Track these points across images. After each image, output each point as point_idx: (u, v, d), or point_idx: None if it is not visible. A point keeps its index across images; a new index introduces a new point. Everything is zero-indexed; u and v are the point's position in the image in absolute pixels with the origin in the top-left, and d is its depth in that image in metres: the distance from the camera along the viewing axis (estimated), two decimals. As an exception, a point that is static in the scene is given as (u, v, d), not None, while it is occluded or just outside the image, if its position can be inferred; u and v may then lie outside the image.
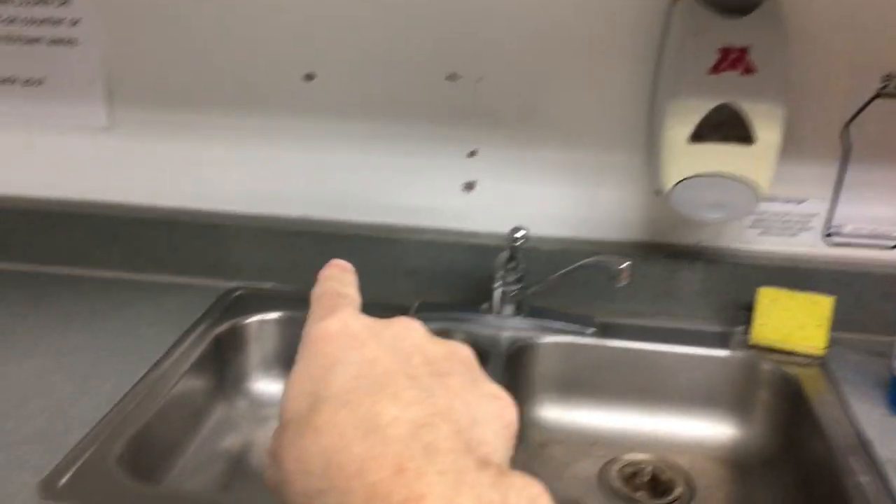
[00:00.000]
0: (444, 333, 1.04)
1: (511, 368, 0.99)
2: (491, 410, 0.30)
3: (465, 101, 1.06)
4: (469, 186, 1.10)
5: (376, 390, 0.29)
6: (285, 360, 1.08)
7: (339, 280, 0.36)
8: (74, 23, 1.08)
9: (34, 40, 1.09)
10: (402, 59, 1.05)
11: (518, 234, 0.99)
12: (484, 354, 1.00)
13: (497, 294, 1.05)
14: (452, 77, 1.05)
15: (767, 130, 0.92)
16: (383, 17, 1.03)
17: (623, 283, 0.92)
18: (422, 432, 0.27)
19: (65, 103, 1.12)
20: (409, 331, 0.33)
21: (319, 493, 0.27)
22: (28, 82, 1.12)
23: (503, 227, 1.09)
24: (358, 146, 1.10)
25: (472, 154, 1.09)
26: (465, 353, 0.33)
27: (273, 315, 1.08)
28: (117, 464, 0.78)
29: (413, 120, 1.08)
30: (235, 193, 1.15)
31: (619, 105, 1.04)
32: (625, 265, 0.92)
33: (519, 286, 1.04)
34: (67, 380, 0.91)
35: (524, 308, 1.06)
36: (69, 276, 1.17)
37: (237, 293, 1.13)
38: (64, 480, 0.75)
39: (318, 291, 0.36)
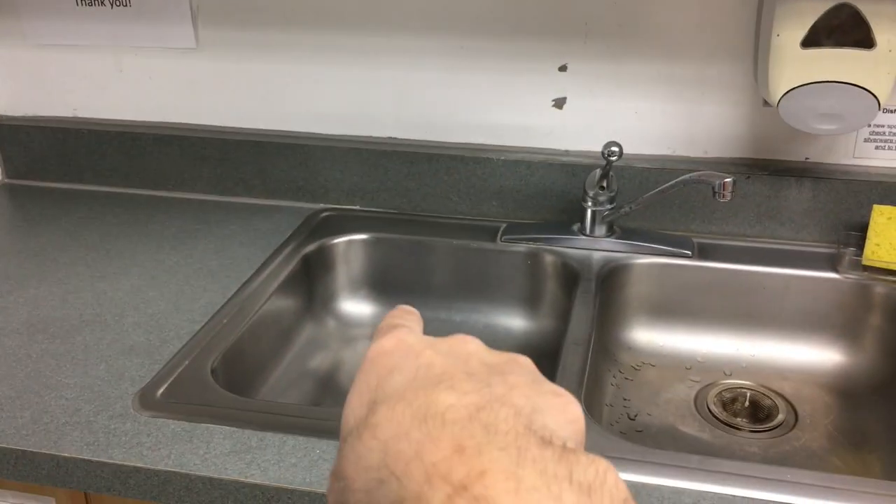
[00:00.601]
0: (533, 255, 1.02)
1: (603, 290, 0.96)
2: (553, 405, 0.29)
3: (554, 13, 1.01)
4: (559, 103, 1.06)
5: (433, 385, 0.28)
6: (373, 280, 1.08)
7: (400, 318, 0.35)
8: (159, -60, 1.07)
9: (120, -40, 1.09)
10: (491, -32, 1.00)
11: (611, 150, 0.94)
12: (575, 276, 0.97)
13: (589, 214, 1.01)
14: (543, -14, 1.00)
15: (889, 33, 0.84)
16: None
17: (726, 199, 0.87)
18: (481, 415, 0.26)
19: (152, 24, 1.12)
20: (466, 342, 0.33)
21: (379, 483, 0.26)
22: (117, 3, 1.12)
23: (595, 145, 1.05)
24: (444, 63, 1.07)
25: (563, 69, 1.04)
26: (525, 360, 0.32)
27: (361, 236, 1.07)
28: (212, 377, 0.79)
29: (500, 34, 1.03)
30: (322, 114, 1.13)
31: (722, 12, 0.97)
32: (728, 179, 0.87)
33: (612, 206, 1.00)
34: (162, 296, 0.93)
35: (617, 229, 1.02)
36: (160, 198, 1.18)
37: (325, 214, 1.13)
38: (161, 391, 0.76)
39: (379, 325, 0.35)
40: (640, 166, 1.03)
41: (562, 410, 0.29)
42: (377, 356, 0.31)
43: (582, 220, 1.02)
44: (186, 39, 1.12)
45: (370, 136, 1.13)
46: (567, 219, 1.05)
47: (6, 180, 1.24)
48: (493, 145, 1.09)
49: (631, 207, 0.98)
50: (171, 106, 1.17)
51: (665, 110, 1.03)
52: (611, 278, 0.98)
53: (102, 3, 1.12)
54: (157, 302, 0.92)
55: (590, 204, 1.00)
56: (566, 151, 1.08)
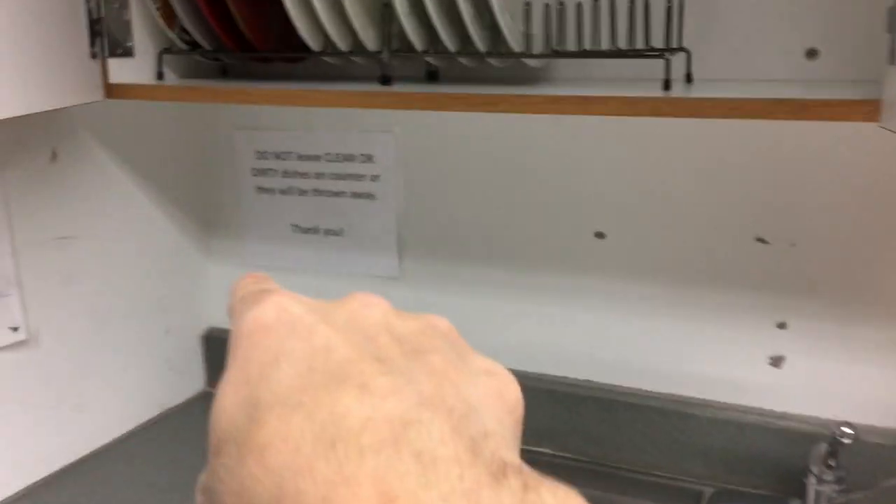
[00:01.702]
0: (745, 532, 0.91)
1: (832, 590, 0.83)
2: (488, 390, 0.24)
3: (774, 267, 0.95)
4: (776, 361, 0.98)
5: (336, 383, 0.21)
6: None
7: (258, 283, 0.27)
8: (375, 178, 1.12)
9: (338, 194, 1.15)
10: (702, 221, 0.97)
11: (843, 431, 0.84)
12: (797, 567, 0.85)
13: (812, 493, 0.89)
14: (760, 240, 0.95)
15: None
16: (682, 175, 0.96)
17: None
18: (409, 434, 0.20)
19: (360, 253, 1.16)
20: (368, 307, 0.26)
21: None
22: (329, 232, 1.17)
23: (818, 411, 0.95)
24: (649, 309, 1.02)
25: (782, 325, 0.96)
26: (444, 323, 0.27)
27: (550, 488, 1.00)
28: None
29: (712, 284, 0.98)
30: (516, 350, 1.11)
31: (972, 279, 0.87)
32: None
33: (840, 487, 0.88)
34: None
35: (846, 512, 0.90)
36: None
37: (512, 457, 1.07)
38: None
39: (236, 296, 0.27)
40: (874, 441, 0.91)
41: (499, 397, 0.24)
42: (254, 332, 0.23)
43: (804, 497, 0.90)
44: (391, 269, 1.15)
45: (565, 377, 1.09)
46: (784, 492, 0.94)
47: (208, 389, 1.29)
48: (700, 399, 1.02)
49: (865, 494, 0.86)
50: (369, 330, 1.19)
51: (902, 380, 0.92)
52: (841, 576, 0.85)
53: (316, 231, 1.18)
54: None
55: (814, 482, 0.89)
56: (783, 414, 0.98)
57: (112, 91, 0.90)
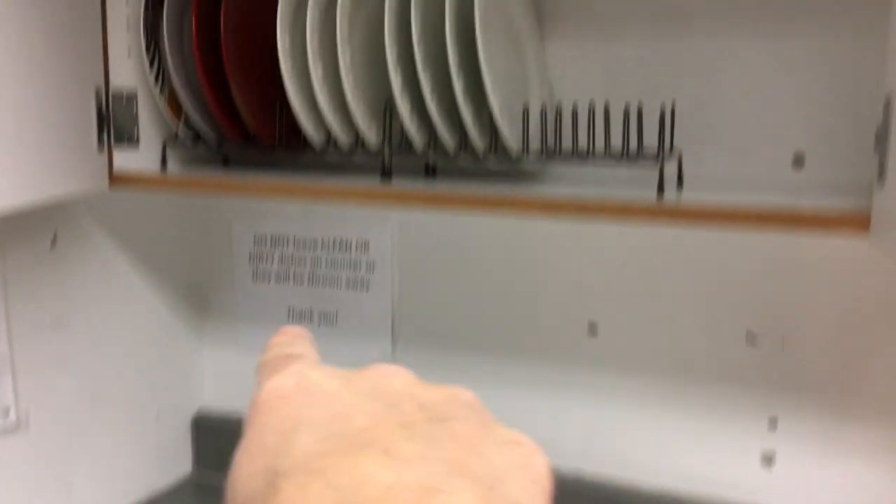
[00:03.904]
0: None
1: None
2: (514, 461, 0.23)
3: (765, 365, 0.96)
4: (768, 460, 0.98)
5: (358, 449, 0.20)
6: None
7: (290, 344, 0.28)
8: (370, 267, 1.14)
9: (333, 280, 1.16)
10: (695, 318, 0.98)
11: (837, 534, 0.84)
12: None
13: None
14: (751, 339, 0.96)
15: None
16: (675, 275, 0.98)
17: None
18: (432, 501, 0.18)
19: (353, 340, 1.16)
20: (391, 376, 0.25)
21: None
22: (323, 318, 1.18)
23: (809, 511, 0.95)
24: (639, 403, 1.03)
25: (773, 423, 0.97)
26: (468, 394, 0.26)
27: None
28: None
29: (703, 380, 0.99)
30: (508, 441, 1.10)
31: (959, 383, 0.89)
32: None
33: (834, 591, 0.88)
34: None
35: None
36: None
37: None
38: None
39: (263, 359, 0.27)
40: (866, 545, 0.91)
41: (524, 467, 0.23)
42: (273, 400, 0.23)
43: None
44: (384, 357, 1.15)
45: (556, 467, 1.08)
46: None
47: (195, 472, 1.27)
48: (690, 495, 1.01)
49: None
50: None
51: (893, 483, 0.93)
52: None
53: (311, 316, 1.19)
54: None
55: (807, 585, 0.89)
56: (775, 513, 0.98)
57: (116, 181, 0.92)
